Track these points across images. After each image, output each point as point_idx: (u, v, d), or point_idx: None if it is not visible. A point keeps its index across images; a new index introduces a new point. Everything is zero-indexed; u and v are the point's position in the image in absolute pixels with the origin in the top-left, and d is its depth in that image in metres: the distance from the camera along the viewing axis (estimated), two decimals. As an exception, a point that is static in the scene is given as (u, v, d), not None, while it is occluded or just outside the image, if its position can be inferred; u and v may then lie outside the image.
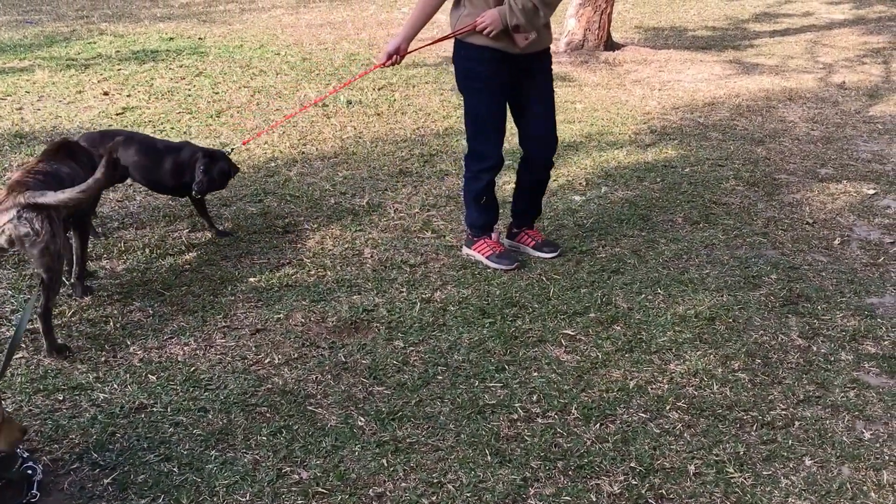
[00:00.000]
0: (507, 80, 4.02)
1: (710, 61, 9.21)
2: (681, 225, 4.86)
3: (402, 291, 4.02)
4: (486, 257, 4.30)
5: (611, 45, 9.47)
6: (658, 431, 3.01)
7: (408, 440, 2.96)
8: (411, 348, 3.55)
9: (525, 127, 4.22)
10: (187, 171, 4.32)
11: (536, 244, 4.45)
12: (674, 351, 3.53)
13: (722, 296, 4.00)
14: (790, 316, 3.84)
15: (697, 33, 10.92)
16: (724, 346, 3.58)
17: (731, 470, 2.80)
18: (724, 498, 2.67)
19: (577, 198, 5.26)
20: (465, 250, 4.41)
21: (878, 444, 2.95)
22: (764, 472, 2.79)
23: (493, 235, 4.41)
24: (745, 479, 2.76)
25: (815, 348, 3.58)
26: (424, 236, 4.67)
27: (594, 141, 6.39)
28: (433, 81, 7.96)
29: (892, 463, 2.85)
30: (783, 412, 3.12)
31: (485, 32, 3.81)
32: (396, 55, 4.00)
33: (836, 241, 4.68)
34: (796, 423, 3.06)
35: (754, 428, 3.03)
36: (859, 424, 3.07)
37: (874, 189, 5.46)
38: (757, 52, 9.74)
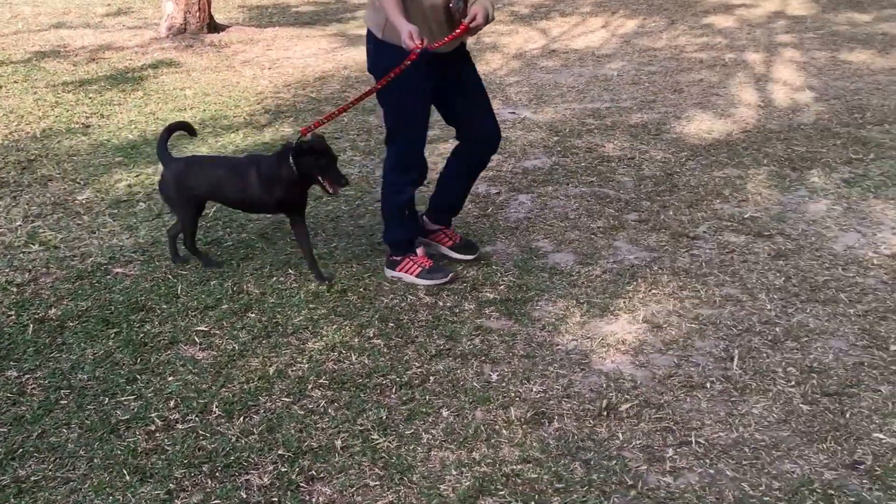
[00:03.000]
0: (435, 84, 3.71)
1: (317, 36, 9.33)
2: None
3: (11, 315, 3.58)
4: (417, 276, 3.92)
5: (214, 27, 9.22)
6: (303, 413, 2.97)
7: (32, 478, 2.65)
8: (27, 376, 3.20)
9: (469, 124, 3.93)
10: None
11: (455, 245, 4.18)
12: (310, 329, 3.52)
13: (352, 266, 4.06)
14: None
15: (301, 9, 11.01)
16: (358, 315, 3.63)
17: (376, 436, 2.84)
18: (372, 465, 2.71)
19: (197, 186, 5.04)
20: (390, 273, 3.98)
21: (504, 384, 3.17)
22: (406, 432, 2.88)
23: (419, 251, 4.01)
24: (389, 442, 2.82)
25: (441, 303, 3.75)
26: (31, 250, 4.20)
27: (209, 127, 6.17)
28: (23, 80, 7.19)
29: (517, 399, 3.07)
30: (419, 370, 3.24)
31: (472, 25, 3.46)
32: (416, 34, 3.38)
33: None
34: (431, 378, 3.19)
35: (394, 391, 3.11)
36: (487, 368, 3.27)
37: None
38: (359, 24, 10.04)
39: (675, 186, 5.06)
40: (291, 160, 3.70)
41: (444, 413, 2.99)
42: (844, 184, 5.03)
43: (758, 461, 2.73)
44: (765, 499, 2.56)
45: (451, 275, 3.94)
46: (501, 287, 3.90)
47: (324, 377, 3.18)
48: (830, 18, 9.89)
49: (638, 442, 2.83)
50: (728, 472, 2.68)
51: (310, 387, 3.12)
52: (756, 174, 5.21)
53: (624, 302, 3.75)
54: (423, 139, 3.86)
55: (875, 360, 3.27)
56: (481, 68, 7.84)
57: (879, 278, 3.91)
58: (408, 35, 3.33)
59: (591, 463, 2.72)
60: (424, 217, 4.22)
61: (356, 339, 3.44)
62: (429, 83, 3.67)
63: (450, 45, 3.60)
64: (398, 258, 3.97)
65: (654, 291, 3.83)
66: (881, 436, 2.83)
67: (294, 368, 3.24)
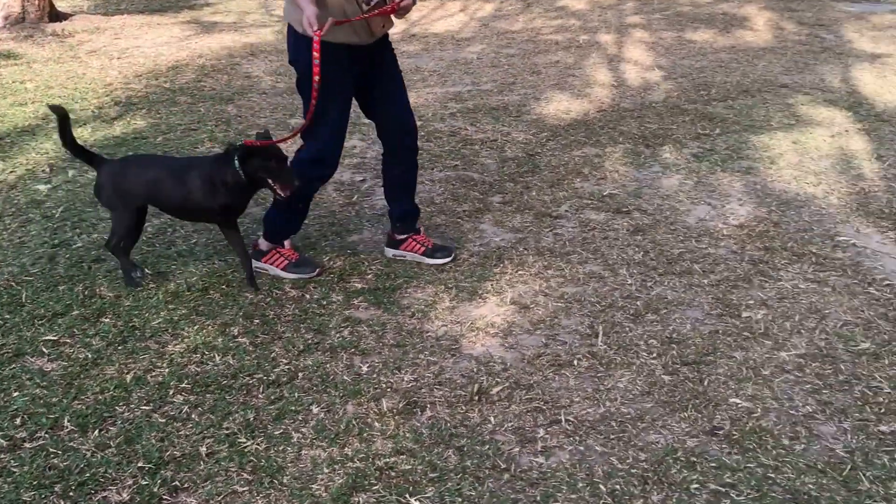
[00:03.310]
0: (356, 77, 3.56)
1: (168, 24, 8.98)
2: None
3: None
4: (283, 269, 3.82)
5: (56, 16, 8.73)
6: (164, 421, 2.84)
7: None
8: None
9: (388, 118, 3.75)
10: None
11: (427, 250, 3.96)
12: (171, 331, 3.37)
13: (213, 262, 3.92)
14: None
15: (151, -4, 10.56)
16: (221, 314, 3.50)
17: (244, 439, 2.74)
18: (240, 470, 2.61)
19: (41, 187, 4.75)
20: (255, 264, 3.85)
21: (375, 375, 3.12)
22: (276, 433, 2.79)
23: (287, 243, 3.92)
24: (258, 444, 2.73)
25: (308, 296, 3.67)
26: None
27: (53, 122, 5.81)
28: None
29: (389, 390, 3.04)
30: (287, 367, 3.15)
31: (402, 4, 3.35)
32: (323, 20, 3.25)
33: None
34: (300, 375, 3.12)
35: (261, 390, 3.01)
36: (357, 360, 3.22)
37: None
38: (213, 10, 9.74)
39: (537, 167, 5.13)
40: (237, 164, 3.46)
41: (315, 410, 2.92)
42: (694, 158, 5.23)
43: (624, 434, 2.79)
44: (632, 471, 2.62)
45: (318, 269, 3.85)
46: (369, 276, 3.85)
47: (186, 381, 3.05)
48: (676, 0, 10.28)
49: (510, 424, 2.85)
50: (597, 448, 2.73)
51: (171, 392, 2.99)
52: (613, 152, 5.35)
53: (492, 284, 3.76)
54: (343, 135, 3.73)
55: (729, 327, 3.41)
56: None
57: (729, 248, 4.08)
58: (307, 21, 3.23)
59: (465, 449, 2.72)
60: (391, 232, 4.06)
61: (220, 339, 3.32)
62: (350, 78, 3.56)
63: (373, 36, 3.52)
64: (264, 249, 3.89)
65: (520, 272, 3.87)
66: (737, 400, 2.95)
67: (154, 374, 3.09)
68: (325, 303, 3.62)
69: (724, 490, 2.53)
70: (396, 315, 3.52)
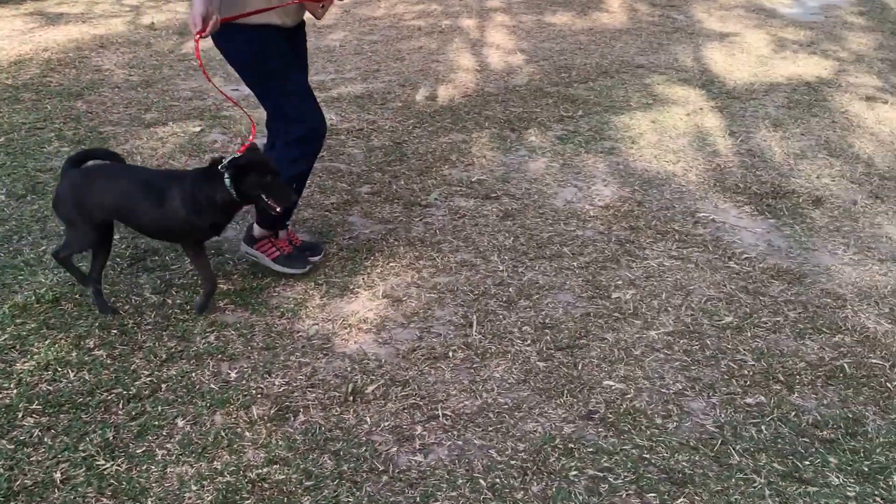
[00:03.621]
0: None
1: (9, 16, 8.41)
2: (5, 202, 4.33)
3: None
4: (274, 260, 3.69)
5: None
6: (13, 447, 2.63)
7: None
8: None
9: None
10: None
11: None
12: (18, 348, 3.13)
13: (62, 272, 3.67)
14: (141, 273, 3.70)
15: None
16: (75, 325, 3.28)
17: (103, 461, 2.57)
18: (99, 494, 2.45)
19: None
20: (245, 249, 3.75)
21: (244, 382, 2.99)
22: (138, 451, 2.63)
23: (282, 234, 3.76)
24: (118, 465, 2.56)
25: (170, 301, 3.49)
26: None
27: None
28: None
29: (259, 396, 2.91)
30: (148, 379, 2.98)
31: None
32: (209, 20, 3.03)
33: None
34: (163, 386, 2.95)
35: (121, 406, 2.84)
36: (224, 366, 3.08)
37: (200, 126, 5.55)
38: (59, 0, 9.18)
39: (405, 155, 5.07)
40: (229, 181, 3.17)
41: (180, 423, 2.77)
42: (559, 141, 5.28)
43: (502, 425, 2.77)
44: (512, 462, 2.60)
45: (309, 267, 3.73)
46: (235, 276, 3.70)
47: (37, 402, 2.84)
48: (535, -18, 10.38)
49: (387, 423, 2.78)
50: (476, 441, 2.70)
51: (20, 415, 2.77)
52: (479, 137, 5.34)
53: (363, 278, 3.68)
54: (311, 92, 3.54)
55: (599, 309, 3.45)
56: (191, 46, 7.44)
57: (597, 229, 4.13)
58: (191, 21, 3.05)
59: (341, 453, 2.64)
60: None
61: (74, 353, 3.11)
62: (290, 52, 3.48)
63: (297, 17, 3.47)
64: (257, 236, 3.73)
65: (391, 264, 3.80)
66: (611, 382, 2.98)
67: (0, 396, 2.86)
68: (188, 307, 3.45)
69: (601, 475, 2.55)
70: (265, 316, 3.40)
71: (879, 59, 7.19)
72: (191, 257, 3.45)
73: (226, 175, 3.16)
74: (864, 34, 8.01)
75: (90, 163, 3.46)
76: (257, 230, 3.74)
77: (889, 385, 2.99)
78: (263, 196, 3.21)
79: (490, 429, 2.75)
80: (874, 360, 3.13)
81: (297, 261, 3.72)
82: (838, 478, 2.55)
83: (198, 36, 3.06)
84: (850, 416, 2.83)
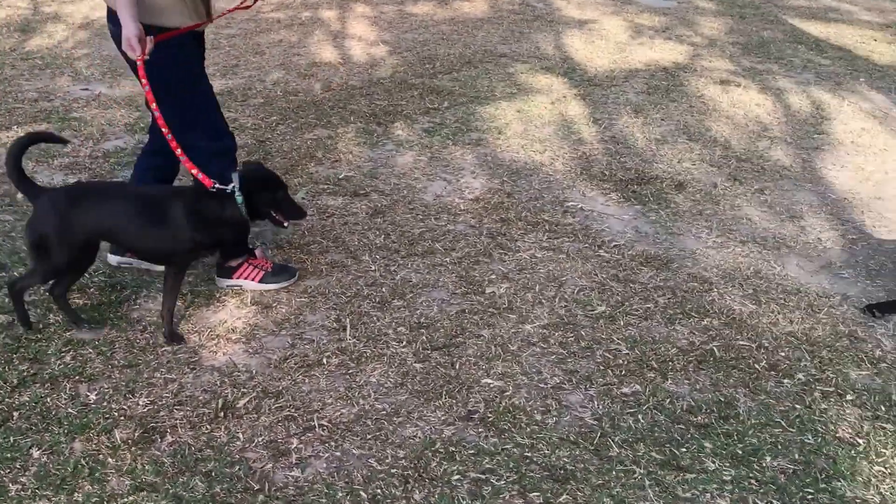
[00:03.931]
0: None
1: None
2: None
3: None
4: (261, 281, 3.49)
5: None
6: None
7: None
8: None
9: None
10: None
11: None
12: None
13: None
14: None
15: None
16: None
17: (-52, 505, 2.37)
18: (-53, 542, 2.25)
19: None
20: (225, 283, 3.52)
21: (105, 403, 2.82)
22: (-13, 490, 2.44)
23: (257, 252, 3.59)
24: (-34, 508, 2.36)
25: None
26: None
27: None
28: None
29: (122, 418, 2.75)
30: (-3, 407, 2.77)
31: None
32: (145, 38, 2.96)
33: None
34: (16, 414, 2.74)
35: (-33, 441, 2.62)
36: (83, 388, 2.89)
37: (47, 129, 5.21)
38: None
39: (269, 153, 4.92)
40: (240, 198, 2.99)
41: (35, 453, 2.58)
42: (426, 133, 5.24)
43: (381, 432, 2.71)
44: (392, 471, 2.55)
45: (297, 275, 3.58)
46: (91, 290, 3.49)
47: None
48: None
49: (261, 438, 2.67)
50: (354, 451, 2.63)
51: None
52: (345, 133, 5.24)
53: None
54: (219, 113, 3.43)
55: (474, 305, 3.43)
56: (41, 41, 7.02)
57: (468, 223, 4.12)
58: (126, 44, 2.92)
59: (213, 473, 2.52)
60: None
61: (-89, 386, 2.85)
62: (199, 59, 3.39)
63: (207, 16, 3.34)
64: (233, 264, 3.49)
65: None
66: (489, 380, 2.97)
67: None
68: (41, 326, 3.22)
69: (484, 477, 2.53)
70: (126, 331, 3.21)
71: (731, 42, 7.49)
72: (170, 279, 3.17)
73: (237, 192, 3.03)
74: (716, 19, 8.33)
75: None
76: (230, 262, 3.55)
77: (756, 366, 3.10)
78: (272, 211, 3.13)
79: (369, 437, 2.69)
80: (741, 342, 3.24)
81: (283, 271, 3.59)
82: (714, 462, 2.62)
83: (139, 61, 2.98)
84: (722, 399, 2.92)
